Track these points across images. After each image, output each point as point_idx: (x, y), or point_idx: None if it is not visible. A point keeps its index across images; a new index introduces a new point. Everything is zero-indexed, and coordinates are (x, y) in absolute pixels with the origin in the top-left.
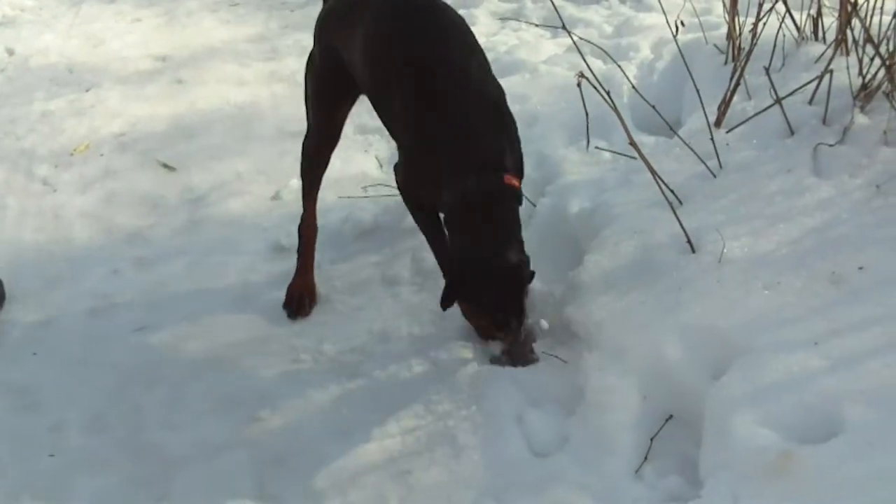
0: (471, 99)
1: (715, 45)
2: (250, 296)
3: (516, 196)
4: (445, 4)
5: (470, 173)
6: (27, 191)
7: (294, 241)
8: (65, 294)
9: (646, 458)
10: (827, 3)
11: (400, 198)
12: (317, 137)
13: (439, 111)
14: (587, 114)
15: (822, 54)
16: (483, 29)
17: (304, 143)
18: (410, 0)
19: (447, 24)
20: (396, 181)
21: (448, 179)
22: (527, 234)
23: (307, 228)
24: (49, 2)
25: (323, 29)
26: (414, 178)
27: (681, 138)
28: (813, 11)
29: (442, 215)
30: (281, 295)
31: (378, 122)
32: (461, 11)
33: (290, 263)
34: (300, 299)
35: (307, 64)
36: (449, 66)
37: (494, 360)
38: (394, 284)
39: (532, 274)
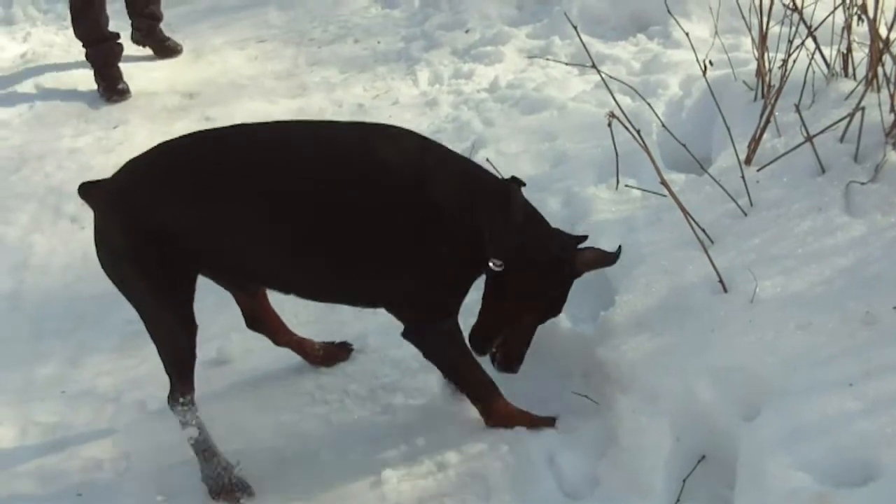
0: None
1: (744, 82)
2: None
3: None
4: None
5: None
6: (55, 228)
7: None
8: (92, 333)
9: (678, 499)
10: (857, 39)
11: None
12: (180, 341)
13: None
14: (617, 153)
15: (853, 91)
16: (511, 66)
17: (164, 354)
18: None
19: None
20: (441, 346)
21: (499, 206)
22: None
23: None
24: (77, 39)
25: (146, 211)
26: (449, 279)
27: (711, 176)
28: (843, 48)
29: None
30: (312, 332)
31: None
32: (487, 49)
33: None
34: (229, 493)
35: (116, 263)
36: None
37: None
38: None
39: None
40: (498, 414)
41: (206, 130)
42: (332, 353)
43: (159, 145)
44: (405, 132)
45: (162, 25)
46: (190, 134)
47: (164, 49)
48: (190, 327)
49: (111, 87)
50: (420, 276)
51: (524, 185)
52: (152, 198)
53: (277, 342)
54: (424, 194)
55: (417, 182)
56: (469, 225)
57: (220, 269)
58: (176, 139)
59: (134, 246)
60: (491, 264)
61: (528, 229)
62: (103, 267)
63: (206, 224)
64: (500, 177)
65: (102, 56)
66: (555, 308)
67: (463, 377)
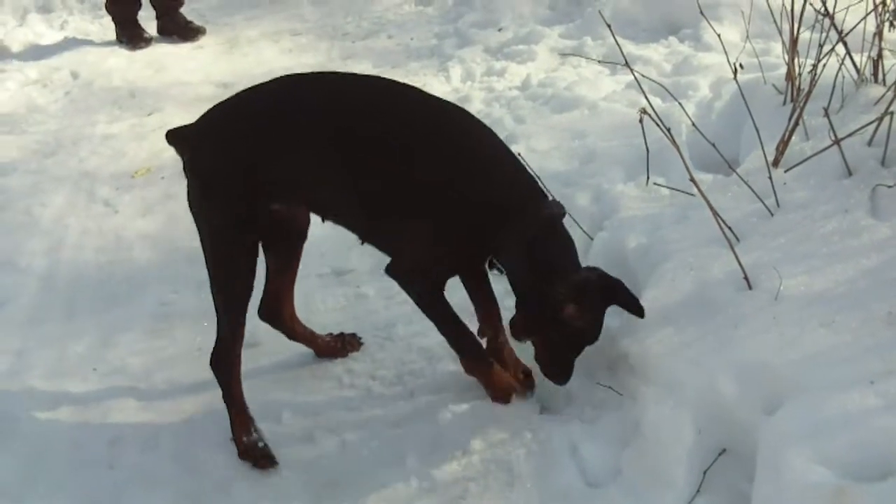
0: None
1: (773, 86)
2: (310, 320)
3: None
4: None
5: (537, 198)
6: (89, 212)
7: (352, 265)
8: (125, 313)
9: (698, 491)
10: (888, 46)
11: None
12: (245, 273)
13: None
14: (647, 150)
15: (882, 96)
16: (543, 65)
17: (223, 292)
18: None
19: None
20: (404, 274)
21: (514, 213)
22: None
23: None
24: (113, 27)
25: (235, 144)
26: (438, 249)
27: (739, 176)
28: (874, 53)
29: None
30: (340, 319)
31: None
32: (520, 47)
33: (348, 288)
34: (258, 458)
35: (205, 191)
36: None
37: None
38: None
39: None
40: (470, 367)
41: (291, 76)
42: (345, 344)
43: (247, 89)
44: (479, 130)
45: (196, 16)
46: (277, 79)
47: (188, 31)
48: (254, 261)
49: (131, 36)
50: (424, 242)
51: (563, 214)
52: (240, 132)
53: (293, 335)
54: (468, 190)
55: (466, 174)
56: (489, 229)
57: (288, 195)
58: (263, 83)
59: (224, 171)
60: (488, 265)
61: (539, 254)
62: (190, 201)
63: (281, 157)
64: (549, 201)
65: (121, 11)
66: (560, 346)
67: (433, 320)
